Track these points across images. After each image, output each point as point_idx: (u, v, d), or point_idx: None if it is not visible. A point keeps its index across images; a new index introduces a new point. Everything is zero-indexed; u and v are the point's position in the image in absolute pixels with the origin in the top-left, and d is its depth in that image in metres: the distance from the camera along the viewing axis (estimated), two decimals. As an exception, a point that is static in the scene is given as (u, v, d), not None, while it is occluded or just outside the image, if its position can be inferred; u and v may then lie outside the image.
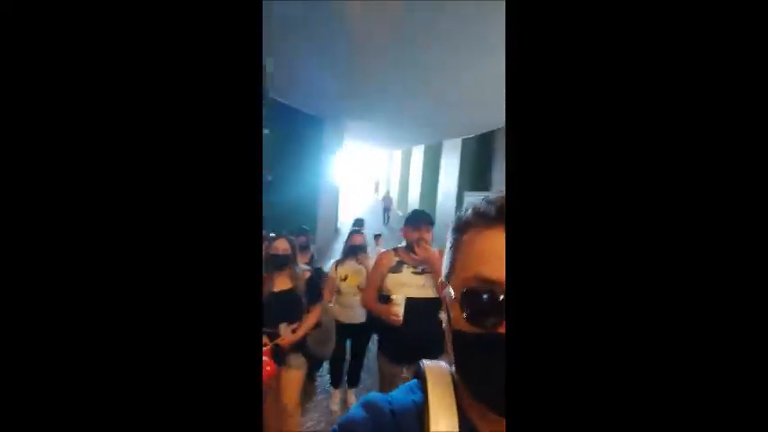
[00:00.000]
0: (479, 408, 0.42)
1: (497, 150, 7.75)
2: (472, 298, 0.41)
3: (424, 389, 0.46)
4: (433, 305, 1.86)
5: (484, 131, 7.98)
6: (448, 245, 0.47)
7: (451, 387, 0.45)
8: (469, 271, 0.42)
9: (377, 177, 19.45)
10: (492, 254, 0.41)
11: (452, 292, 0.44)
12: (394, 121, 7.53)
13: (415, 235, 1.92)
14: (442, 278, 0.47)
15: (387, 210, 13.26)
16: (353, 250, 2.94)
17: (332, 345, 2.45)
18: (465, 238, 0.44)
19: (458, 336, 0.43)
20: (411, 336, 1.82)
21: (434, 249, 1.93)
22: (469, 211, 0.45)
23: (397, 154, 16.35)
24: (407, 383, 0.49)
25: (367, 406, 0.46)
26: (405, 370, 1.90)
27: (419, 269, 1.93)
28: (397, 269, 1.96)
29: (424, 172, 11.85)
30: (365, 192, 19.66)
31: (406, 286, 1.91)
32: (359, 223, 5.15)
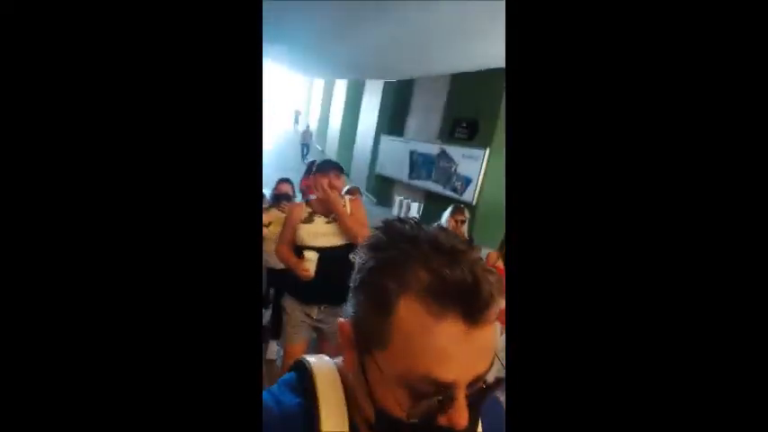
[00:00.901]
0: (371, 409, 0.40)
1: (415, 98, 8.25)
2: (420, 398, 0.35)
3: (311, 389, 0.43)
4: (345, 251, 1.78)
5: (406, 78, 8.37)
6: (366, 296, 0.38)
7: (341, 388, 0.43)
8: (421, 369, 0.34)
9: (297, 107, 18.54)
10: (450, 356, 0.34)
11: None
12: (317, 48, 7.34)
13: (324, 181, 1.90)
14: (350, 322, 0.40)
15: (306, 145, 13.02)
16: (277, 198, 3.01)
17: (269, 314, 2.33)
18: (405, 309, 0.35)
19: (389, 420, 0.37)
20: (323, 283, 1.86)
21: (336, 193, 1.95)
22: (414, 272, 0.35)
23: (319, 84, 15.93)
24: (287, 377, 0.46)
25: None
26: (317, 311, 1.95)
27: (331, 218, 1.94)
28: (309, 220, 1.95)
29: (345, 108, 11.98)
30: (283, 121, 18.82)
31: (320, 235, 1.92)
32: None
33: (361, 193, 3.88)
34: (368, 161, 9.67)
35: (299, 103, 18.63)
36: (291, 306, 2.01)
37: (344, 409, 0.42)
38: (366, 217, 2.03)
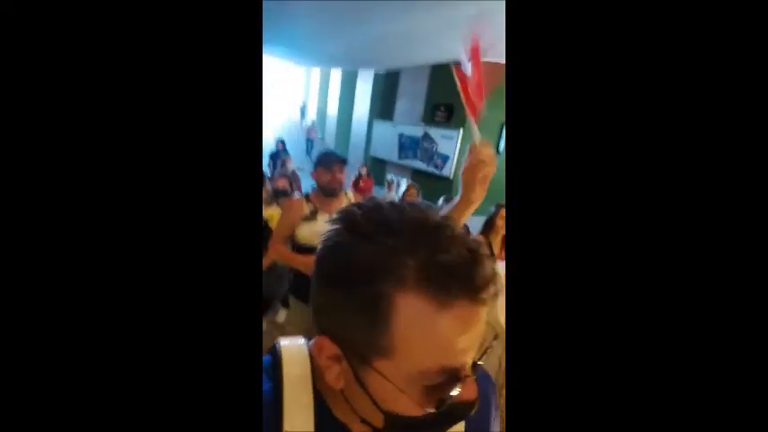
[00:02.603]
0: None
1: (402, 87, 9.17)
2: (432, 389, 0.33)
3: (277, 378, 0.40)
4: None
5: (393, 69, 9.27)
6: (354, 303, 0.33)
7: (310, 377, 0.40)
8: (430, 363, 0.32)
9: (300, 99, 18.84)
10: (463, 338, 0.32)
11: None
12: (314, 40, 7.61)
13: (327, 176, 1.80)
14: (326, 335, 0.36)
15: (310, 140, 12.87)
16: (276, 193, 2.99)
17: (286, 284, 2.26)
18: (403, 308, 0.31)
19: (400, 419, 0.34)
20: None
21: (349, 192, 1.90)
22: (404, 263, 0.31)
23: (316, 74, 16.70)
24: (263, 360, 0.43)
25: None
26: None
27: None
28: (311, 218, 1.81)
29: (341, 97, 12.89)
30: (287, 112, 19.29)
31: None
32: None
33: (417, 190, 3.69)
34: (363, 145, 10.64)
35: (298, 93, 19.15)
36: (294, 305, 1.95)
37: (311, 403, 0.39)
38: None
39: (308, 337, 0.43)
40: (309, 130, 13.38)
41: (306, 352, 0.42)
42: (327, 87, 14.62)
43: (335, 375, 0.37)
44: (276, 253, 1.88)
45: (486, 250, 0.33)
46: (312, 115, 16.12)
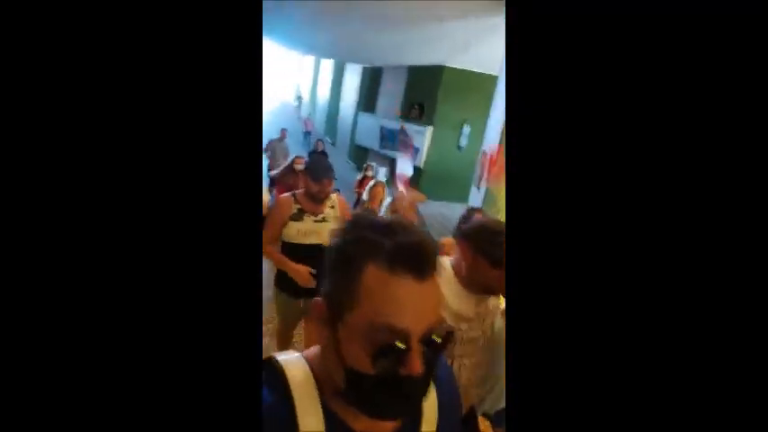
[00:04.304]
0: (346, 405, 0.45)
1: (384, 83, 10.26)
2: (382, 346, 0.41)
3: (284, 388, 0.46)
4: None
5: (378, 65, 10.33)
6: (338, 266, 0.44)
7: (315, 386, 0.47)
8: (378, 317, 0.41)
9: (299, 89, 17.82)
10: (403, 304, 0.41)
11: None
12: (308, 27, 7.76)
13: (316, 188, 1.88)
14: (323, 298, 0.45)
15: (308, 133, 12.97)
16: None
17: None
18: (369, 273, 0.42)
19: (357, 376, 0.42)
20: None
21: (339, 200, 1.99)
22: (378, 242, 0.43)
23: (309, 60, 17.44)
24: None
25: None
26: (301, 303, 1.97)
27: (320, 218, 1.93)
28: (297, 217, 1.90)
29: (332, 87, 13.91)
30: (283, 99, 18.69)
31: (310, 233, 1.90)
32: None
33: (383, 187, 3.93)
34: (349, 133, 11.77)
35: (291, 81, 19.36)
36: (280, 298, 2.03)
37: (319, 405, 0.46)
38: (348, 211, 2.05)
39: (294, 349, 0.50)
40: (306, 123, 13.63)
41: (304, 361, 0.49)
42: (318, 73, 15.52)
43: (321, 333, 0.46)
44: (267, 254, 1.90)
45: (434, 243, 0.43)
46: (306, 104, 16.49)
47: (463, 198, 4.62)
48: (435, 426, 0.53)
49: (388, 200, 3.10)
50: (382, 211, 2.97)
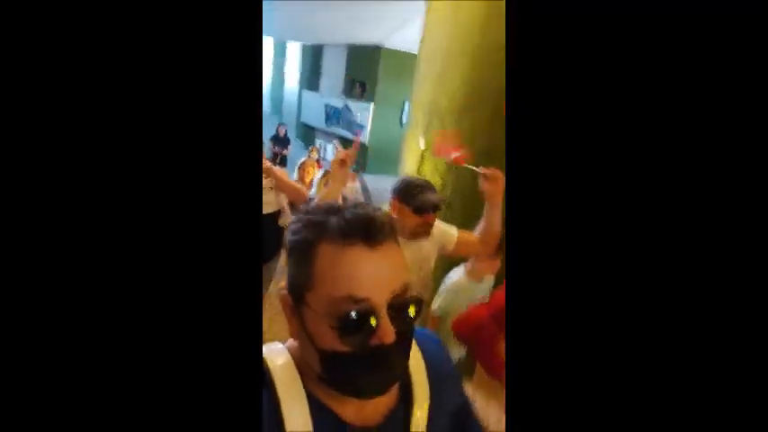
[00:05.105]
0: (334, 393, 0.45)
1: (325, 61, 10.40)
2: (346, 318, 0.41)
3: (268, 380, 0.45)
4: (272, 219, 2.11)
5: (319, 43, 10.41)
6: (294, 255, 0.45)
7: (298, 376, 0.46)
8: (336, 290, 0.41)
9: None
10: (359, 272, 0.41)
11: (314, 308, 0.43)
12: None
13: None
14: (285, 288, 0.46)
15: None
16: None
17: None
18: (320, 251, 0.43)
19: (329, 356, 0.42)
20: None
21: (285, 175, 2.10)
22: (323, 221, 0.44)
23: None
24: None
25: None
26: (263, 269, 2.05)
27: (269, 187, 2.07)
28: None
29: (273, 67, 13.75)
30: None
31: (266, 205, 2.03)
32: None
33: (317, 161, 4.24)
34: (295, 112, 11.84)
35: None
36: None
37: (303, 395, 0.45)
38: (288, 182, 2.15)
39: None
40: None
41: (286, 352, 0.48)
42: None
43: (293, 324, 0.46)
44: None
45: (382, 214, 0.44)
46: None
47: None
48: (427, 412, 0.52)
49: (319, 174, 3.25)
50: (314, 187, 3.10)
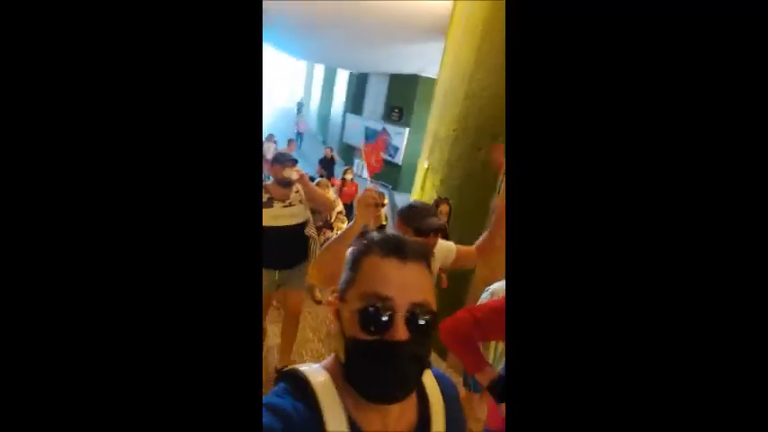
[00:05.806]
0: (361, 404, 0.51)
1: (370, 87, 11.32)
2: (370, 311, 0.49)
3: (310, 397, 0.51)
4: (300, 228, 2.28)
5: (365, 72, 11.37)
6: (348, 266, 0.54)
7: (337, 394, 0.52)
8: (369, 288, 0.50)
9: (301, 97, 17.75)
10: (389, 278, 0.50)
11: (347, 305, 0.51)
12: (302, 32, 8.07)
13: (281, 171, 2.19)
14: (338, 293, 0.54)
15: (300, 134, 13.39)
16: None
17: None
18: (365, 261, 0.52)
19: (352, 342, 0.50)
20: (281, 252, 2.20)
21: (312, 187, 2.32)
22: (372, 241, 0.54)
23: (301, 65, 18.33)
24: (278, 389, 0.54)
25: (275, 411, 0.49)
26: (277, 274, 2.28)
27: (287, 203, 2.23)
28: (268, 205, 2.18)
29: (322, 92, 14.92)
30: (282, 103, 18.82)
31: (279, 217, 2.21)
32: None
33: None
34: (339, 133, 12.84)
35: (288, 84, 19.94)
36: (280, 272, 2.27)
37: (342, 411, 0.51)
38: (321, 193, 2.41)
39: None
40: (299, 124, 14.08)
41: (324, 371, 0.54)
42: (312, 77, 16.53)
43: (335, 322, 0.54)
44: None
45: (414, 240, 0.55)
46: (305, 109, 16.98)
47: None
48: None
49: (332, 192, 3.48)
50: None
